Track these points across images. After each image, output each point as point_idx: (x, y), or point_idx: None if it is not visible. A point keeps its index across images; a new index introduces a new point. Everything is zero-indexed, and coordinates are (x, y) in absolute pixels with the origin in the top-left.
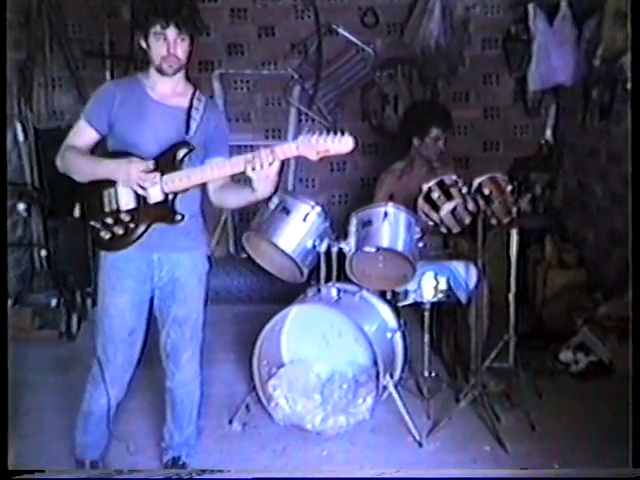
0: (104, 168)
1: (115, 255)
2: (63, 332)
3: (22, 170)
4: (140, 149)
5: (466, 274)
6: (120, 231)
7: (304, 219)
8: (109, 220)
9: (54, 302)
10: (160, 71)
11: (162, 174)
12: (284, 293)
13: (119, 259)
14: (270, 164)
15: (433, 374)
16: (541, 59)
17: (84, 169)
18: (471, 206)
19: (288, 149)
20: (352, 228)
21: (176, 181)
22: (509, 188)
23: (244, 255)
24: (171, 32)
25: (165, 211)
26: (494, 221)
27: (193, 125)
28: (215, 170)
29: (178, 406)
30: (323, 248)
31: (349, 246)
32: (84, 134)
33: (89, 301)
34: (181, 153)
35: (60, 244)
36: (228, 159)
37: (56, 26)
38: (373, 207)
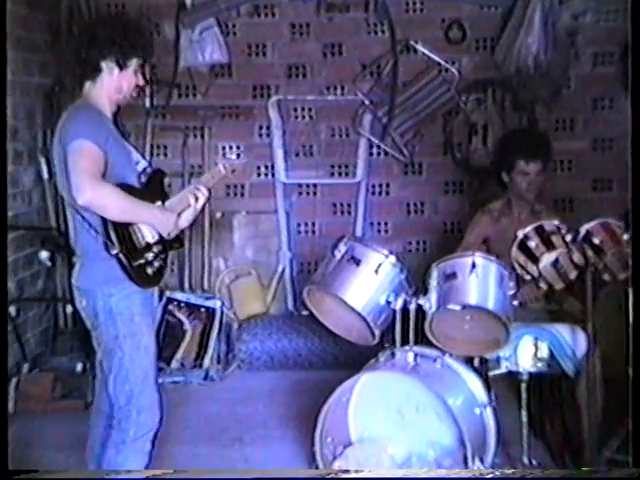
0: (150, 214)
1: (143, 292)
2: (89, 402)
3: (46, 213)
4: (127, 179)
5: (573, 340)
6: (160, 264)
7: (376, 270)
8: (149, 255)
9: (79, 367)
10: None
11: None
12: (352, 358)
13: (145, 295)
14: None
15: (534, 462)
16: None
17: (128, 209)
18: (577, 257)
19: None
20: (433, 282)
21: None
22: (626, 237)
23: (305, 312)
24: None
25: (175, 239)
26: (607, 277)
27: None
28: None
29: None
30: (398, 305)
31: (429, 303)
32: (99, 159)
33: None
34: (165, 181)
35: None
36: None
37: None
38: (458, 257)
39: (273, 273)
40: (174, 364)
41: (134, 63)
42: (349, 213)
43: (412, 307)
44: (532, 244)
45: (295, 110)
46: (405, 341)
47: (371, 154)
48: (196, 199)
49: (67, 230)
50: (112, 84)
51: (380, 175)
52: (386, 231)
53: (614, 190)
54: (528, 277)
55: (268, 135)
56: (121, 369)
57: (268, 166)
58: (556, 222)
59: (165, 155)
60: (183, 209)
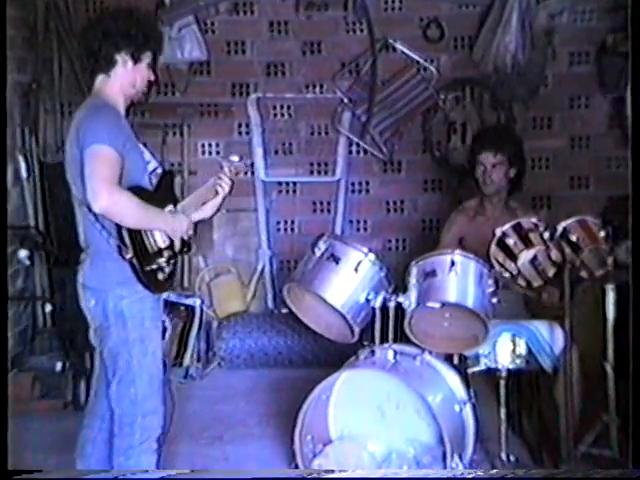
0: (163, 221)
1: (153, 296)
2: (69, 402)
3: (25, 211)
4: (140, 181)
5: (550, 336)
6: (171, 269)
7: (356, 268)
8: (161, 261)
9: (59, 366)
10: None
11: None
12: (332, 356)
13: (155, 300)
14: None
15: (512, 458)
16: None
17: (142, 217)
18: (555, 255)
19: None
20: (412, 279)
21: (188, 212)
22: (602, 234)
23: (284, 310)
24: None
25: (184, 244)
26: (584, 274)
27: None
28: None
29: None
30: (378, 303)
31: (409, 301)
32: (117, 165)
33: None
34: (174, 182)
35: (68, 298)
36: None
37: (67, 43)
38: (437, 255)
39: (253, 271)
40: None
41: (148, 57)
42: (329, 211)
43: (392, 305)
44: (510, 242)
45: (274, 108)
46: (385, 339)
47: (350, 152)
48: (221, 189)
49: (47, 229)
50: (126, 78)
51: (359, 173)
52: (365, 229)
53: (591, 188)
54: (507, 274)
55: (247, 133)
56: (128, 373)
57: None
58: (534, 220)
59: None
60: (193, 211)
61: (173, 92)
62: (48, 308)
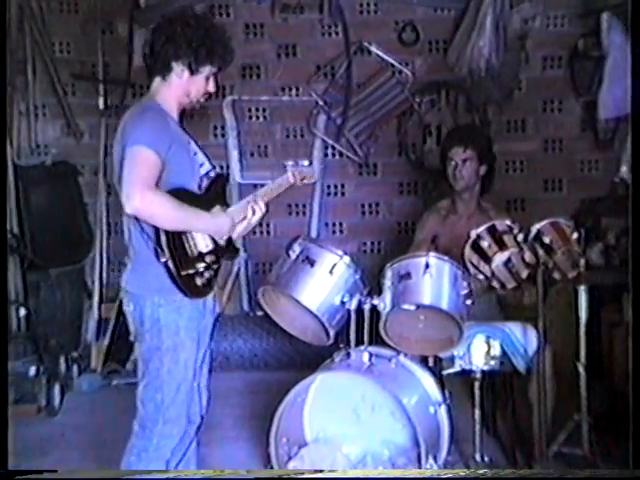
0: (201, 222)
1: (192, 304)
2: (43, 406)
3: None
4: (187, 184)
5: (524, 338)
6: (211, 274)
7: (331, 271)
8: (201, 265)
9: (33, 370)
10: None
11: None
12: (307, 358)
13: (195, 307)
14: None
15: (487, 458)
16: (616, 80)
17: (177, 218)
18: (528, 257)
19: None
20: (387, 282)
21: (235, 218)
22: (575, 236)
23: (260, 313)
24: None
25: (229, 248)
26: (557, 275)
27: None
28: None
29: None
30: (353, 305)
31: (384, 303)
32: (155, 168)
33: (75, 368)
34: (227, 189)
35: (42, 302)
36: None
37: (40, 44)
38: (412, 257)
39: (228, 274)
40: (129, 365)
41: (207, 70)
42: (304, 214)
43: (367, 307)
44: (485, 244)
45: (250, 110)
46: (360, 341)
47: (326, 155)
48: (253, 212)
49: (21, 232)
50: (181, 87)
51: (335, 176)
52: (341, 231)
53: (564, 190)
54: (481, 276)
55: (223, 135)
56: (156, 379)
57: (223, 166)
58: (508, 222)
59: None
60: (240, 220)
61: None
62: (22, 312)
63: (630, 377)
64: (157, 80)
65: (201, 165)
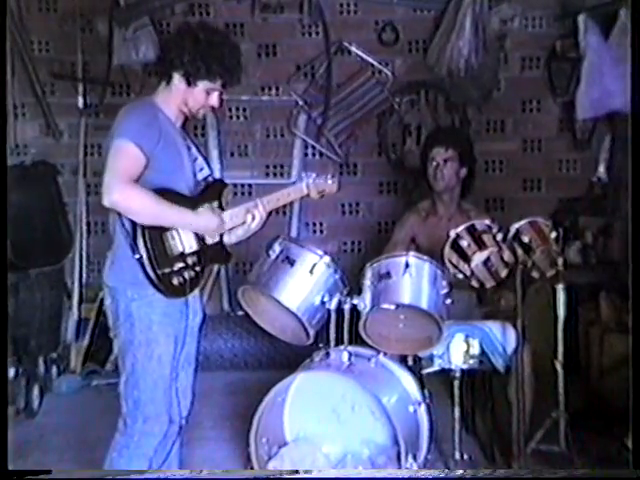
0: (182, 219)
1: (167, 301)
2: (21, 408)
3: None
4: (175, 185)
5: (503, 337)
6: (190, 275)
7: (311, 271)
8: (179, 265)
9: (11, 373)
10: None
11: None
12: (287, 358)
13: (170, 304)
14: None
15: (466, 456)
16: (593, 81)
17: (156, 213)
18: (507, 256)
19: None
20: (367, 282)
21: (228, 222)
22: (553, 235)
23: (240, 313)
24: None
25: (219, 251)
26: (536, 274)
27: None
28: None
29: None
30: (333, 305)
31: (364, 303)
32: (137, 162)
33: (54, 369)
34: (224, 192)
35: (21, 303)
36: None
37: (19, 43)
38: (391, 257)
39: (208, 273)
40: (108, 366)
41: (205, 84)
42: (284, 213)
43: (347, 307)
44: (464, 243)
45: (230, 110)
46: (340, 341)
47: (306, 155)
48: (252, 218)
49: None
50: (179, 95)
51: None
52: (321, 231)
53: (543, 190)
54: (460, 276)
55: (203, 135)
56: (132, 374)
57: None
58: (487, 221)
59: (99, 154)
60: (235, 224)
61: (128, 93)
62: None
63: (630, 377)
64: (162, 83)
65: (201, 169)
